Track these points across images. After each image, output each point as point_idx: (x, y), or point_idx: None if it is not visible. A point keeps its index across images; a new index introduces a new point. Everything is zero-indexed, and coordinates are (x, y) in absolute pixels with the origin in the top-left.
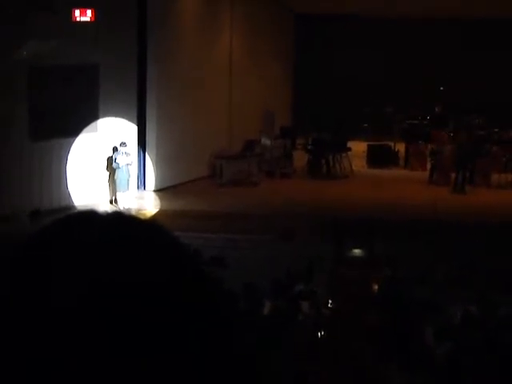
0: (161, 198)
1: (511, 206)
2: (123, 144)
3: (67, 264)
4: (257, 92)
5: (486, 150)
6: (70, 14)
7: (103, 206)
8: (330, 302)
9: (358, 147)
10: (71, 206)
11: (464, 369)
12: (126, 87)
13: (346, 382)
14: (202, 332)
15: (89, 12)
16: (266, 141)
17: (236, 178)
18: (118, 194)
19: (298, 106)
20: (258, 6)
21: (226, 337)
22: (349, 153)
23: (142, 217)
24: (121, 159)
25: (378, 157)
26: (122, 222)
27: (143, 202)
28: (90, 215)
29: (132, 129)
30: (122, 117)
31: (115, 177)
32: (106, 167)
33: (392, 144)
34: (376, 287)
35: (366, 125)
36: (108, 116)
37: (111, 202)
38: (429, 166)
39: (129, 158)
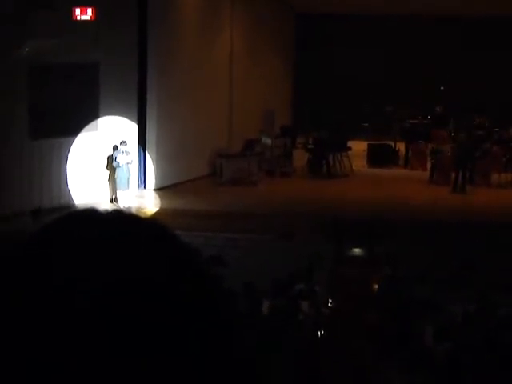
0: (161, 197)
1: (511, 205)
2: (123, 143)
3: (68, 262)
4: (257, 91)
5: (485, 149)
6: (71, 13)
7: (103, 205)
8: (329, 301)
9: (359, 146)
10: (71, 205)
11: (464, 368)
12: (127, 86)
13: (346, 381)
14: (201, 331)
15: (89, 11)
16: (266, 140)
17: (236, 177)
18: (118, 192)
19: (298, 104)
20: (258, 3)
21: (226, 336)
22: (349, 152)
23: (142, 215)
24: (121, 158)
25: (379, 156)
26: (122, 220)
27: (143, 200)
28: (91, 213)
29: (132, 127)
30: (123, 115)
31: (115, 175)
32: (107, 166)
33: (392, 143)
34: (376, 286)
35: (366, 124)
36: (108, 115)
37: (111, 201)
38: (429, 165)
39: (129, 156)
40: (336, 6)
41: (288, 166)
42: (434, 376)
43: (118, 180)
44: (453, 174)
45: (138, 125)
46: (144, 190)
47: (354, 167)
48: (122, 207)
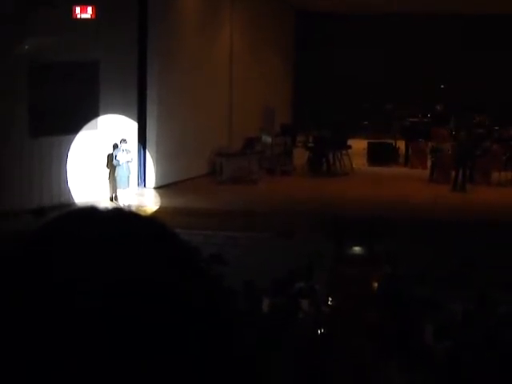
0: (161, 196)
1: (511, 203)
2: (123, 141)
3: (68, 262)
4: (257, 89)
5: (485, 147)
6: (71, 11)
7: (103, 203)
8: (329, 299)
9: (359, 145)
10: (72, 203)
11: (464, 366)
12: (127, 84)
13: (346, 380)
14: (201, 331)
15: (89, 9)
16: (266, 138)
17: (236, 175)
18: (118, 191)
19: (298, 104)
20: (258, 2)
21: (226, 335)
22: (349, 150)
23: (142, 214)
24: (121, 156)
25: (379, 154)
26: (122, 218)
27: (143, 199)
28: (91, 212)
29: (132, 126)
30: (123, 114)
31: (115, 174)
32: (107, 164)
33: (393, 142)
34: (376, 285)
35: (366, 122)
36: (108, 113)
37: (111, 199)
38: (429, 163)
39: (129, 155)
40: (336, 4)
41: (288, 165)
42: (434, 374)
43: (118, 178)
44: (453, 173)
45: (138, 123)
46: (144, 189)
47: (354, 165)
48: (122, 205)
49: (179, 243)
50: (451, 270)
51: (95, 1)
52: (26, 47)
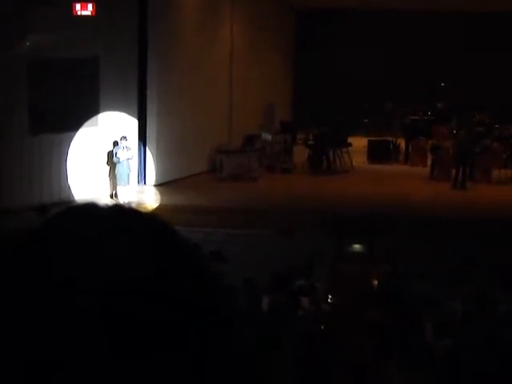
0: (161, 193)
1: (511, 201)
2: (124, 138)
3: (68, 260)
4: (257, 87)
5: (484, 145)
6: (71, 8)
7: (104, 201)
8: (330, 297)
9: (359, 142)
10: (72, 201)
11: (464, 365)
12: (127, 81)
13: (346, 378)
14: (201, 329)
15: (89, 6)
16: (266, 135)
17: (236, 172)
18: (118, 188)
19: (298, 103)
20: (258, 1)
21: (226, 334)
22: (349, 148)
23: (142, 211)
24: (121, 153)
25: (379, 152)
26: (122, 215)
27: (143, 196)
28: (91, 208)
29: (132, 123)
30: (123, 111)
31: (116, 171)
32: (107, 161)
33: (393, 139)
34: (376, 282)
35: (366, 120)
36: (108, 110)
37: (111, 197)
38: (429, 161)
39: (129, 152)
40: (335, 1)
41: (288, 162)
42: (433, 372)
43: (118, 176)
44: (453, 171)
45: (139, 120)
46: (144, 186)
47: (354, 163)
48: (122, 203)
49: (180, 240)
50: (451, 268)
51: None
52: (27, 44)
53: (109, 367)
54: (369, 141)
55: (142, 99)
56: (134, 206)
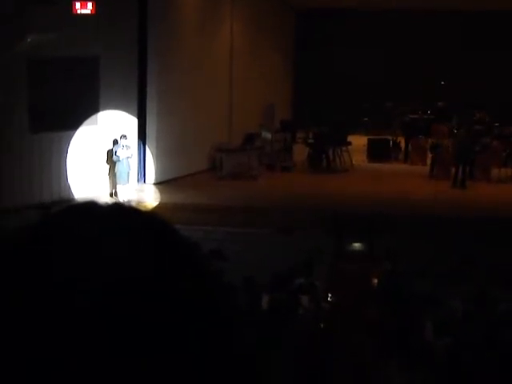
0: (161, 191)
1: (511, 200)
2: (123, 137)
3: (68, 259)
4: (257, 87)
5: (484, 144)
6: (71, 6)
7: (103, 199)
8: (329, 295)
9: (359, 141)
10: (72, 199)
11: (464, 364)
12: (127, 80)
13: (346, 377)
14: (201, 329)
15: (89, 4)
16: (266, 134)
17: (236, 171)
18: (118, 186)
19: (298, 103)
20: (258, 1)
21: (226, 334)
22: (349, 147)
23: (142, 209)
24: (121, 152)
25: (379, 151)
26: (122, 213)
27: (143, 194)
28: (90, 207)
29: (132, 122)
30: (123, 110)
31: (115, 170)
32: (107, 160)
33: (393, 138)
34: (376, 281)
35: (366, 119)
36: (108, 109)
37: (111, 195)
38: (429, 160)
39: (129, 151)
40: (334, 1)
41: (288, 161)
42: (433, 371)
43: (118, 174)
44: (453, 169)
45: (138, 119)
46: (144, 184)
47: (354, 162)
48: (121, 201)
49: (179, 239)
50: (451, 267)
51: None
52: (26, 42)
53: (109, 367)
54: (369, 139)
55: (141, 97)
56: (133, 204)
